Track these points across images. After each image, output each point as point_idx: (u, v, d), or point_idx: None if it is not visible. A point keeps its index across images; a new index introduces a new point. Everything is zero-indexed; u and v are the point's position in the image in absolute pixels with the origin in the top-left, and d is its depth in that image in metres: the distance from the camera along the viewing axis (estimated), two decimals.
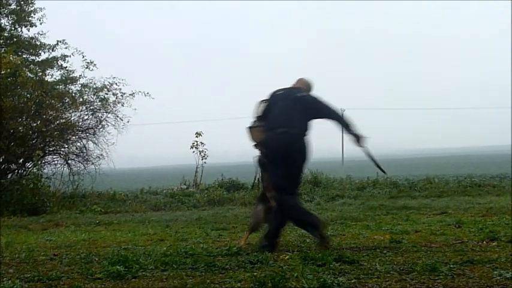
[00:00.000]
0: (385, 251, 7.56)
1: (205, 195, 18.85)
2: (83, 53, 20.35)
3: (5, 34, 20.29)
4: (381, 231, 9.71)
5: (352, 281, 5.73)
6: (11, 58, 18.14)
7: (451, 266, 6.40)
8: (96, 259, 7.65)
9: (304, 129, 7.94)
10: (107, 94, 20.00)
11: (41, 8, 21.25)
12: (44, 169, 18.87)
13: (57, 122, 19.47)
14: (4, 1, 20.65)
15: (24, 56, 20.46)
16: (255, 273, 6.16)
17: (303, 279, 5.59)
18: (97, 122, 20.14)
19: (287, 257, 7.21)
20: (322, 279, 5.58)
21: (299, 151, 7.88)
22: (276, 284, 5.47)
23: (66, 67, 20.71)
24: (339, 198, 17.39)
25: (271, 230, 7.95)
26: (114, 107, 20.04)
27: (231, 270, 6.56)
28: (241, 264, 6.81)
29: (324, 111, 8.05)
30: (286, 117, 7.89)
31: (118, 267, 6.52)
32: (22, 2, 20.87)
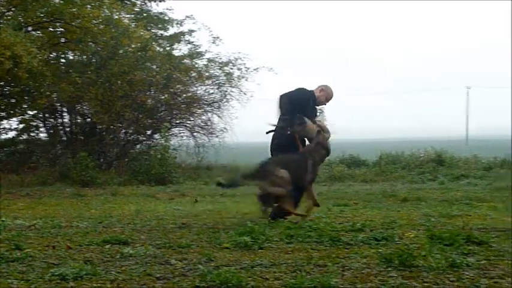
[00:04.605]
0: None
1: (327, 171, 18.84)
2: (209, 28, 20.74)
3: (136, 9, 20.87)
4: (509, 213, 9.41)
5: (482, 262, 5.60)
6: (141, 33, 18.70)
7: None
8: (222, 228, 7.87)
9: None
10: (232, 69, 20.27)
11: None
12: (171, 141, 19.42)
13: (184, 95, 19.98)
14: None
15: (153, 31, 20.99)
16: (380, 250, 6.14)
17: (430, 258, 5.51)
18: (222, 96, 20.49)
19: (412, 235, 7.14)
20: (450, 259, 5.48)
21: None
22: (402, 262, 5.42)
23: (193, 42, 21.12)
24: (463, 178, 16.90)
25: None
26: (238, 81, 20.30)
27: (356, 246, 6.56)
28: (366, 241, 6.80)
29: None
30: None
31: (245, 237, 6.67)
32: None
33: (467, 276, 5.09)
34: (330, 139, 9.07)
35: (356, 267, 5.48)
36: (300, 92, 9.01)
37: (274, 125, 9.03)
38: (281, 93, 8.99)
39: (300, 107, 8.82)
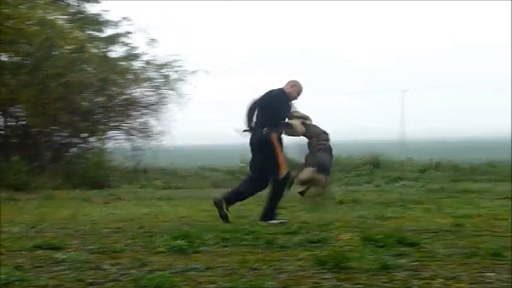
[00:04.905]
0: (447, 235, 7.48)
1: None
2: (146, 30, 20.55)
3: (71, 10, 20.51)
4: (442, 215, 9.61)
5: (414, 264, 5.67)
6: (76, 34, 18.41)
7: None
8: (158, 232, 7.79)
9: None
10: (169, 71, 20.16)
11: None
12: (107, 144, 19.20)
13: (121, 97, 19.77)
14: None
15: (88, 32, 20.66)
16: (315, 252, 6.16)
17: (363, 260, 5.57)
18: (159, 98, 20.35)
19: (347, 237, 7.20)
20: (383, 261, 5.55)
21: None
22: (337, 264, 5.46)
23: (129, 44, 20.89)
24: (399, 180, 17.20)
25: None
26: (175, 84, 20.21)
27: (291, 249, 6.59)
28: (301, 243, 6.84)
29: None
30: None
31: (180, 241, 6.62)
32: None
33: (399, 278, 5.15)
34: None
35: (291, 270, 5.49)
36: (272, 93, 9.14)
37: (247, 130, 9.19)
38: (253, 99, 9.15)
39: (276, 109, 9.02)
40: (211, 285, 5.01)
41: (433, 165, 20.25)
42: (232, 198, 9.10)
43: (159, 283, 4.90)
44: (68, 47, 18.35)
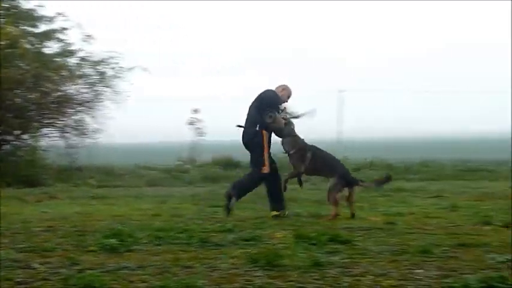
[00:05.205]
0: (378, 232, 7.61)
1: (201, 172, 18.88)
2: (81, 26, 20.17)
3: (4, 5, 20.02)
4: (375, 213, 9.77)
5: (345, 261, 5.76)
6: (10, 29, 17.99)
7: (444, 248, 6.43)
8: (90, 231, 7.69)
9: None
10: (104, 68, 19.85)
11: None
12: (40, 141, 18.78)
13: (55, 94, 19.39)
14: None
15: (23, 28, 20.20)
16: (249, 250, 6.19)
17: (296, 257, 5.62)
18: (94, 95, 20.02)
19: (281, 235, 7.25)
20: (315, 258, 5.60)
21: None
22: (269, 261, 5.49)
23: (64, 40, 20.47)
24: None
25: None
26: (111, 81, 19.90)
27: (225, 247, 6.59)
28: (235, 241, 6.86)
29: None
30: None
31: (112, 240, 6.54)
32: None
33: (330, 275, 5.22)
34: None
35: (223, 268, 5.50)
36: (268, 93, 9.72)
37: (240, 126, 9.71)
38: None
39: (270, 105, 9.54)
40: (143, 284, 4.98)
41: (367, 164, 20.54)
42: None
43: (89, 282, 4.85)
44: (1, 43, 17.91)
